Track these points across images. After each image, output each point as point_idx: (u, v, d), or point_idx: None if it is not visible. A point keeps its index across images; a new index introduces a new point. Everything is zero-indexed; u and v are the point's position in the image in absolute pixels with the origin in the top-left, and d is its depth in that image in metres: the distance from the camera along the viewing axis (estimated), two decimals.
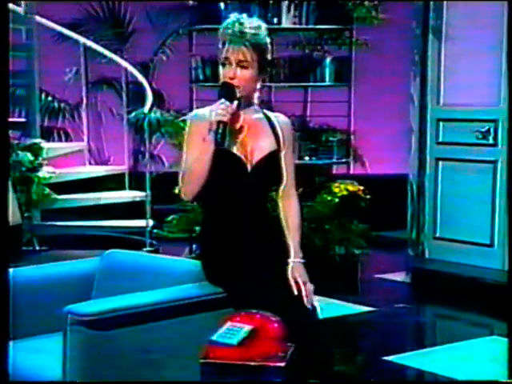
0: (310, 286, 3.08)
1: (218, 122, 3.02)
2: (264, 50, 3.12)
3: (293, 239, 3.20)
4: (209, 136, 3.05)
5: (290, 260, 3.15)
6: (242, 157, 3.13)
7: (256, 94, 3.21)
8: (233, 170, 3.12)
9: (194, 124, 3.19)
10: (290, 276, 3.09)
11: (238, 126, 3.15)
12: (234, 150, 3.12)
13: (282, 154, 3.22)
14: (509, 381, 3.44)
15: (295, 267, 3.13)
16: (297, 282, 3.08)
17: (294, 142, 3.36)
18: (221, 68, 3.13)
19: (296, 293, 3.06)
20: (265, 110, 3.30)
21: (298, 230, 3.24)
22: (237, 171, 3.12)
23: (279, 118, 3.28)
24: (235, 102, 3.08)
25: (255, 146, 3.15)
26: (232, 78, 3.08)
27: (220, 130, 3.02)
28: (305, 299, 3.05)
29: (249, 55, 3.07)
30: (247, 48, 3.06)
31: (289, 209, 3.26)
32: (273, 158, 3.20)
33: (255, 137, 3.17)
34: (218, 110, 3.03)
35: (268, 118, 3.25)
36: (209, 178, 3.08)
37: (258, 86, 3.18)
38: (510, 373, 3.33)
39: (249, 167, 3.14)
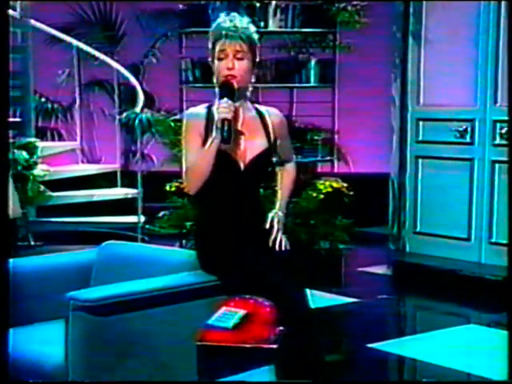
0: (282, 235, 3.28)
1: (223, 120, 3.10)
2: (255, 43, 3.25)
3: (281, 196, 3.43)
4: (214, 134, 3.13)
5: (273, 211, 3.35)
6: (236, 157, 3.21)
7: (250, 88, 3.31)
8: (227, 170, 3.19)
9: (191, 121, 3.26)
10: (268, 223, 3.28)
11: (238, 125, 3.24)
12: (229, 150, 3.17)
13: (278, 144, 3.35)
14: (509, 381, 3.46)
15: (275, 217, 3.32)
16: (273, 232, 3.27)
17: (288, 131, 3.48)
18: (216, 62, 3.22)
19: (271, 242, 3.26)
20: (256, 105, 3.37)
21: (288, 189, 3.47)
22: (230, 171, 3.21)
23: (271, 113, 3.37)
24: (237, 103, 3.18)
25: (248, 146, 3.24)
26: (230, 69, 3.17)
27: (226, 128, 3.10)
28: (277, 245, 3.25)
29: (244, 46, 3.19)
30: (242, 40, 3.19)
31: (284, 173, 3.49)
32: (264, 157, 3.30)
33: (248, 136, 3.26)
34: (221, 109, 3.10)
35: (260, 115, 3.34)
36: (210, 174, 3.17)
37: (252, 79, 3.28)
38: (510, 373, 3.35)
39: (242, 166, 3.23)
